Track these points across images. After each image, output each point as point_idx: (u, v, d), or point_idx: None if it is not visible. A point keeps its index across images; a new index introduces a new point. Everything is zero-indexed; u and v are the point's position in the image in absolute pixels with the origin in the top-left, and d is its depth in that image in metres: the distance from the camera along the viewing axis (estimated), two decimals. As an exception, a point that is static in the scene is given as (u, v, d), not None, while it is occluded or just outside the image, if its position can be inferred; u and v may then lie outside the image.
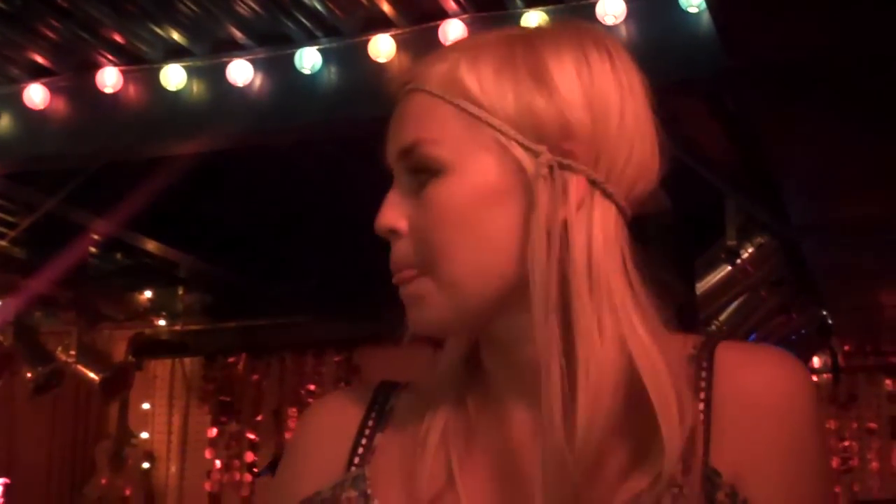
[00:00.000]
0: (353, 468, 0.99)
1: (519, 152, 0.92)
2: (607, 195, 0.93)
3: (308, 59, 2.98)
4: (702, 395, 0.93)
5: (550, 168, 0.91)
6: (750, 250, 3.77)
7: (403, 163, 0.96)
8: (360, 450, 1.01)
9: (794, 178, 3.31)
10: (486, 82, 0.94)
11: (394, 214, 0.95)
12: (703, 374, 0.94)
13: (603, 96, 0.94)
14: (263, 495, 5.98)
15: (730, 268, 3.79)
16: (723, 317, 4.03)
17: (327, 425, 1.05)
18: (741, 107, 2.92)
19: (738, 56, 2.54)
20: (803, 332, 4.61)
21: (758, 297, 4.07)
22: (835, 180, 3.32)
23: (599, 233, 0.92)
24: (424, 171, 0.94)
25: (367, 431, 1.02)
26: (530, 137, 0.92)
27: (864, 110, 2.81)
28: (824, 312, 4.63)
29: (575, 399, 0.89)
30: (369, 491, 0.97)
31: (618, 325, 0.90)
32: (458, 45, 0.99)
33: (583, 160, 0.93)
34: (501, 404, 0.98)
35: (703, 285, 3.80)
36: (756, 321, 4.15)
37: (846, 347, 5.63)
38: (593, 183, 0.93)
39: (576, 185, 0.92)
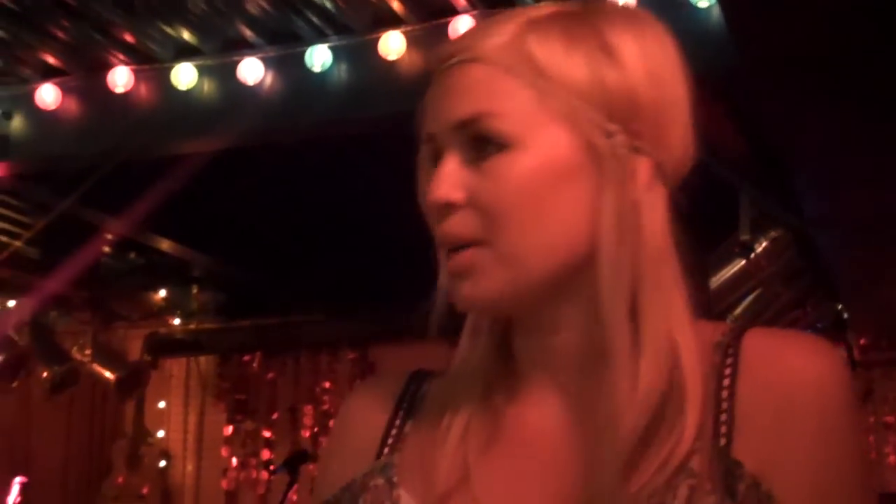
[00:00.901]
0: (383, 456, 0.99)
1: (591, 129, 0.90)
2: (665, 179, 0.93)
3: (318, 57, 2.98)
4: (726, 383, 0.91)
5: (623, 149, 0.90)
6: (764, 244, 3.75)
7: (460, 135, 0.92)
8: (391, 439, 1.01)
9: (807, 172, 3.29)
10: (556, 55, 0.91)
11: (450, 186, 0.92)
12: (729, 360, 0.92)
13: (663, 79, 0.93)
14: (279, 493, 5.99)
15: (744, 262, 3.77)
16: (737, 311, 4.01)
17: (361, 414, 1.05)
18: (752, 101, 2.91)
19: (749, 50, 2.53)
20: (818, 326, 4.58)
21: (772, 291, 4.04)
22: (848, 174, 3.30)
23: (662, 216, 0.92)
24: (488, 144, 0.91)
25: (398, 419, 1.02)
26: (601, 113, 0.90)
27: (876, 103, 2.79)
28: (839, 306, 4.61)
29: (636, 383, 0.88)
30: (395, 479, 0.97)
31: (671, 309, 0.90)
32: (513, 17, 0.95)
33: (648, 142, 0.92)
34: (532, 395, 0.97)
35: (716, 280, 3.78)
36: (771, 316, 4.13)
37: (862, 342, 5.59)
38: (657, 166, 0.92)
39: (644, 168, 0.91)
